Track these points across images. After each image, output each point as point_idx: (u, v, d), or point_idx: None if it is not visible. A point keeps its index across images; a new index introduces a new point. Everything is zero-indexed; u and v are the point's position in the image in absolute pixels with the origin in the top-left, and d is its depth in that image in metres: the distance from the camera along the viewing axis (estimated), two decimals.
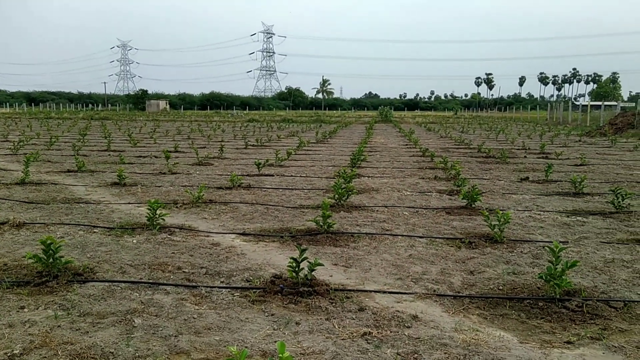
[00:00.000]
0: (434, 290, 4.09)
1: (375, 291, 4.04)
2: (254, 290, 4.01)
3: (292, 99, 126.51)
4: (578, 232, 5.98)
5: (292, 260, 3.98)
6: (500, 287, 4.16)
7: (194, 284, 4.18)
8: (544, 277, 3.84)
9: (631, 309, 3.69)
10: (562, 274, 3.75)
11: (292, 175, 10.63)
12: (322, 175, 10.83)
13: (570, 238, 5.70)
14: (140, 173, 10.82)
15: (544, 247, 5.31)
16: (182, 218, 6.55)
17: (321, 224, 5.64)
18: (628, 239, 5.63)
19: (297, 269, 3.97)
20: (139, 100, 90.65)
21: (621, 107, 53.81)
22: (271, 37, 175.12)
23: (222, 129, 31.75)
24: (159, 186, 9.05)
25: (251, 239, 5.58)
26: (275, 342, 3.17)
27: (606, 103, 50.57)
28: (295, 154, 14.99)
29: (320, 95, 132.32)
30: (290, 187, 9.06)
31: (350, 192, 7.30)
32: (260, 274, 4.40)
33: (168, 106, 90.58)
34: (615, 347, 3.14)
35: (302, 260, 3.95)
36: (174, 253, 5.02)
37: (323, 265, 4.10)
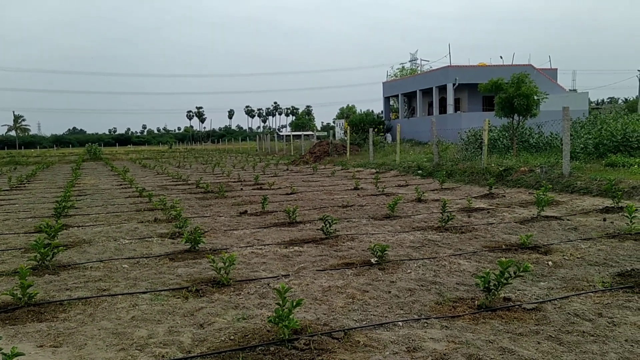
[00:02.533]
0: (163, 356, 3.72)
1: None
2: None
3: None
4: (297, 262, 6.31)
5: None
6: (232, 337, 4.02)
7: None
8: (273, 321, 3.84)
9: (350, 336, 3.95)
10: (289, 315, 3.81)
11: None
12: (19, 230, 9.28)
13: (290, 270, 5.96)
14: None
15: (268, 284, 5.42)
16: None
17: (19, 295, 4.70)
18: (339, 263, 6.17)
19: None
20: None
21: (317, 136, 61.25)
22: None
23: None
24: None
25: None
26: None
27: (304, 133, 56.95)
28: None
29: (13, 133, 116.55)
30: None
31: (56, 249, 6.33)
32: None
33: None
34: None
35: None
36: None
37: (24, 354, 3.34)
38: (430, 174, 17.91)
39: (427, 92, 39.90)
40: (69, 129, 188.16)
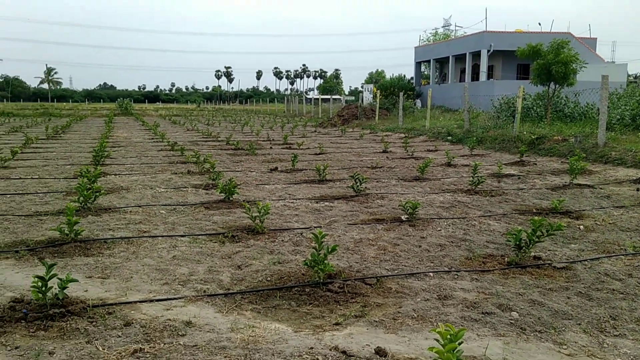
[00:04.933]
0: (204, 291, 3.92)
1: (140, 301, 3.68)
2: None
3: (10, 89, 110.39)
4: (328, 216, 6.46)
5: (37, 279, 3.35)
6: (269, 278, 4.21)
7: None
8: (308, 264, 4.00)
9: (383, 283, 4.10)
10: (324, 259, 3.95)
11: (21, 178, 9.19)
12: (59, 175, 9.62)
13: (322, 223, 6.11)
14: None
15: (301, 233, 5.58)
16: None
17: (67, 232, 4.95)
18: (369, 219, 6.30)
19: (44, 289, 3.36)
20: None
21: (345, 100, 60.86)
22: None
23: None
24: None
25: None
26: None
27: (333, 97, 56.54)
28: (22, 153, 13.05)
29: (45, 86, 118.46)
30: (21, 192, 7.80)
31: (97, 193, 6.60)
32: None
33: None
34: (376, 321, 3.42)
35: (50, 278, 3.36)
36: None
37: (77, 281, 3.57)
38: (460, 140, 17.78)
39: (460, 58, 39.13)
40: (100, 84, 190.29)
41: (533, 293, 3.92)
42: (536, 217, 4.63)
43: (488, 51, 34.44)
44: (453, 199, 7.60)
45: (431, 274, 4.33)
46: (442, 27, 58.62)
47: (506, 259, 4.72)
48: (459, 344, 2.36)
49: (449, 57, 39.64)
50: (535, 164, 11.94)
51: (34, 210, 6.53)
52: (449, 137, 18.73)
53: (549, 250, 5.08)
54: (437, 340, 2.41)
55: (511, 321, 3.44)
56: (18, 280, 4.05)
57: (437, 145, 16.52)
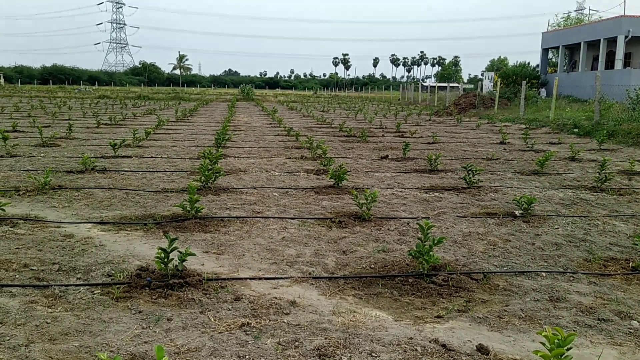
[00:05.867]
0: (310, 273, 4.05)
1: (250, 278, 3.90)
2: (118, 286, 3.65)
3: (147, 74, 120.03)
4: (437, 207, 6.35)
5: (160, 251, 3.67)
6: (372, 266, 4.24)
7: (44, 283, 3.70)
8: (413, 254, 3.98)
9: (490, 279, 3.97)
10: (429, 251, 3.91)
11: (152, 157, 10.02)
12: (185, 156, 10.35)
13: (430, 214, 6.02)
14: None
15: (408, 223, 5.55)
16: (27, 207, 5.82)
17: (188, 209, 5.34)
18: (480, 212, 6.10)
19: (166, 260, 3.68)
20: None
21: (463, 88, 58.85)
22: (121, 7, 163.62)
23: (69, 105, 29.10)
24: None
25: (110, 228, 5.11)
26: (146, 342, 2.90)
27: (450, 84, 55.00)
28: (154, 134, 14.19)
29: (177, 72, 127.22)
30: (151, 170, 8.52)
31: (217, 174, 7.03)
32: (124, 267, 4.03)
33: (2, 80, 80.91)
34: (480, 317, 3.34)
35: (171, 251, 3.67)
36: (18, 248, 4.42)
37: (195, 254, 3.86)
38: (587, 133, 16.50)
39: (592, 45, 36.13)
40: (225, 71, 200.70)
41: None
42: None
43: (625, 37, 31.43)
44: (575, 196, 7.11)
45: (544, 274, 4.12)
46: (575, 10, 54.50)
47: (631, 263, 4.35)
48: (568, 349, 2.24)
49: (580, 43, 36.75)
50: None
51: (161, 187, 7.11)
52: (575, 130, 17.44)
53: None
54: (544, 344, 2.31)
55: (630, 330, 3.18)
56: (145, 251, 4.45)
57: (561, 138, 15.48)
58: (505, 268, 4.24)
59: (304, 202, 6.46)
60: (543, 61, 43.69)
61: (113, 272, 3.93)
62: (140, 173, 8.17)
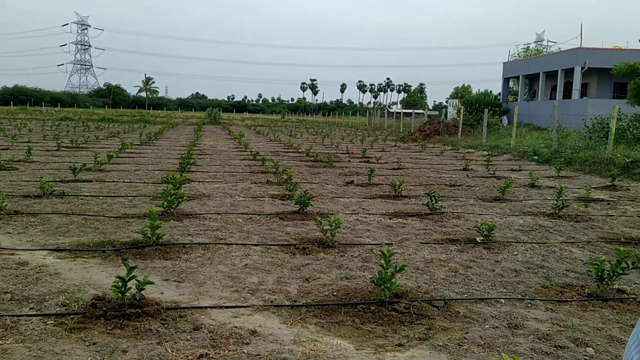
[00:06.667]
0: (272, 301, 4.01)
1: (211, 307, 3.83)
2: (72, 316, 3.53)
3: (111, 96, 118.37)
4: (400, 233, 6.40)
5: (118, 280, 3.58)
6: (335, 293, 4.23)
7: None
8: (375, 282, 3.99)
9: (450, 307, 4.00)
10: (392, 278, 3.93)
11: (114, 181, 9.84)
12: (148, 180, 10.19)
13: (393, 240, 6.06)
14: None
15: (371, 249, 5.57)
16: None
17: (149, 235, 5.24)
18: (442, 238, 6.17)
19: (123, 289, 3.59)
20: None
21: (428, 115, 60.00)
22: (86, 28, 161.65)
23: (30, 127, 28.43)
24: None
25: (67, 256, 4.97)
26: None
27: (415, 111, 55.95)
28: (118, 157, 13.95)
29: (143, 94, 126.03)
30: (112, 195, 8.35)
31: (180, 199, 6.93)
32: (79, 297, 3.91)
33: None
34: (440, 346, 3.35)
35: (130, 279, 3.58)
36: None
37: (154, 283, 3.78)
38: (546, 161, 17.00)
39: (551, 75, 37.47)
40: (192, 94, 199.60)
41: (613, 329, 3.68)
42: (623, 247, 4.35)
43: (582, 68, 32.74)
44: (534, 223, 7.28)
45: (503, 301, 4.18)
46: (535, 42, 56.58)
47: (586, 290, 4.46)
48: None
49: (539, 73, 38.08)
50: (629, 189, 11.18)
51: (122, 213, 6.97)
52: (535, 157, 17.95)
53: (634, 283, 4.74)
54: None
55: (585, 357, 3.25)
56: (102, 279, 4.34)
57: (522, 165, 15.89)
58: (465, 295, 4.29)
59: (268, 228, 6.42)
60: (504, 90, 45.04)
61: (67, 301, 3.81)
62: (101, 198, 8.00)
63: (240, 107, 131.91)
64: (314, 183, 10.64)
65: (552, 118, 19.23)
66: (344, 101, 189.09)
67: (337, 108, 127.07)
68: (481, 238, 6.05)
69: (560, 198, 8.13)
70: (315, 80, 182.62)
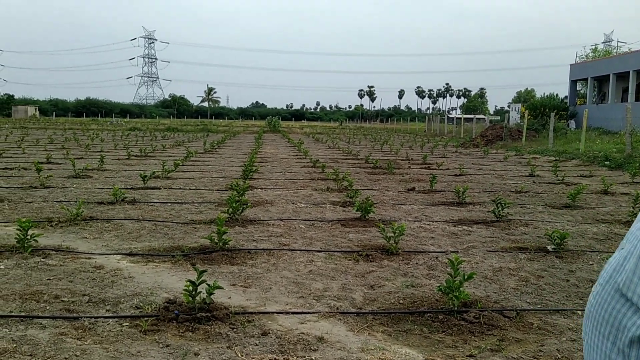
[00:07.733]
0: (337, 308, 4.00)
1: (277, 312, 3.86)
2: (146, 318, 3.65)
3: (176, 107, 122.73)
4: (465, 241, 6.24)
5: (188, 284, 3.68)
6: (401, 301, 4.17)
7: (75, 314, 3.73)
8: (442, 290, 3.90)
9: (523, 317, 3.86)
10: (460, 286, 3.83)
11: (180, 188, 10.15)
12: (213, 187, 10.46)
13: (459, 247, 5.92)
14: (6, 187, 9.73)
15: (437, 257, 5.46)
16: (59, 238, 5.92)
17: (216, 240, 5.36)
18: (511, 246, 5.97)
19: (194, 294, 3.68)
20: (4, 105, 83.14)
21: (490, 120, 58.53)
22: (153, 42, 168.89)
23: (101, 137, 29.86)
24: (30, 202, 8.17)
25: (139, 260, 5.15)
26: None
27: (476, 116, 54.80)
28: (183, 165, 14.40)
29: (205, 104, 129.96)
30: (180, 201, 8.61)
31: (245, 206, 7.06)
32: (152, 300, 4.04)
33: (38, 112, 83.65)
34: (514, 358, 3.23)
35: (200, 284, 3.67)
36: (50, 279, 4.48)
37: (222, 288, 3.85)
38: (619, 166, 16.17)
39: (622, 76, 35.73)
40: (252, 103, 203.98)
41: None
42: None
43: None
44: (609, 231, 6.93)
45: (580, 312, 3.98)
46: (603, 42, 54.15)
47: None
48: None
49: (609, 75, 36.41)
50: None
51: (189, 219, 7.17)
52: (607, 162, 17.12)
53: None
54: None
55: None
56: (172, 283, 4.47)
57: (592, 171, 15.19)
58: (539, 305, 4.12)
59: (330, 234, 6.42)
60: (572, 93, 43.33)
61: (141, 304, 3.95)
62: (169, 204, 8.27)
63: (299, 115, 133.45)
64: (375, 190, 10.58)
65: (624, 121, 18.31)
66: (402, 107, 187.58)
67: (395, 114, 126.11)
68: (552, 246, 5.81)
69: (637, 205, 7.70)
70: (372, 87, 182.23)
